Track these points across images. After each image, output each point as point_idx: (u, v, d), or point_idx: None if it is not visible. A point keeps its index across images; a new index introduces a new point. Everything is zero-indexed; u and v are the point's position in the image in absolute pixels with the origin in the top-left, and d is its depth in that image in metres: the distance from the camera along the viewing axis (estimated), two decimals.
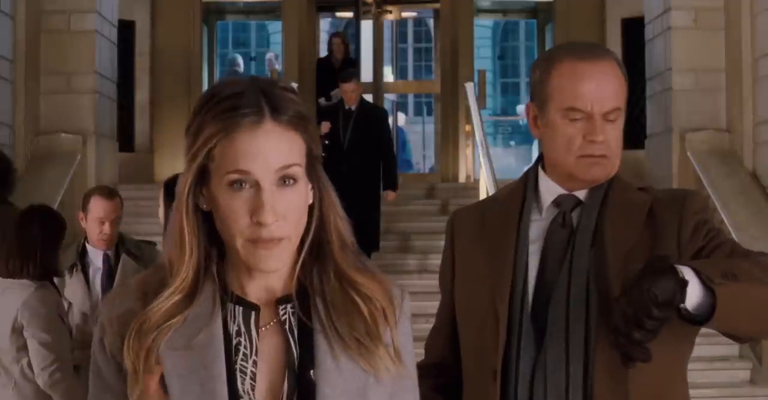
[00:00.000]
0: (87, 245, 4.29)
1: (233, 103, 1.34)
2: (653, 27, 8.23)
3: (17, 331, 3.70)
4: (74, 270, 4.23)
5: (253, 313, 1.40)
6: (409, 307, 1.49)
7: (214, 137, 1.34)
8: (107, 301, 1.45)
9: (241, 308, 1.40)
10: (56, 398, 3.71)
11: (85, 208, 4.27)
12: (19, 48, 7.43)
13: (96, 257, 4.29)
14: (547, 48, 10.64)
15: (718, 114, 7.75)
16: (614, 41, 9.85)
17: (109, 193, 4.35)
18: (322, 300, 1.40)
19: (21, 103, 7.48)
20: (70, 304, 4.17)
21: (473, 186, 8.77)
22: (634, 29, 9.21)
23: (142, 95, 10.22)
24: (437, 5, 11.30)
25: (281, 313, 1.41)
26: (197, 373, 1.35)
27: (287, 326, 1.40)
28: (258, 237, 1.33)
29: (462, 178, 10.27)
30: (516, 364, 1.87)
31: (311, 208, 1.41)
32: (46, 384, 3.69)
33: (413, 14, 13.77)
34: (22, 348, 3.71)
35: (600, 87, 1.89)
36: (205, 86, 10.87)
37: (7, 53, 7.26)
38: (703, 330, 1.77)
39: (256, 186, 1.33)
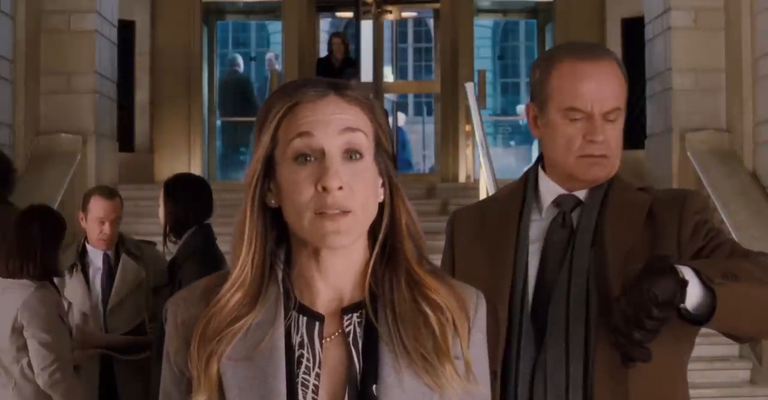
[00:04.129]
0: (87, 245, 4.29)
1: (299, 84, 1.37)
2: (653, 27, 8.23)
3: (17, 331, 3.70)
4: (74, 270, 4.23)
5: (317, 323, 1.35)
6: (484, 315, 1.42)
7: (278, 113, 1.34)
8: (171, 304, 1.40)
9: (305, 319, 1.35)
10: (56, 398, 3.71)
11: (85, 208, 4.27)
12: (19, 48, 7.43)
13: (96, 257, 4.29)
14: (547, 48, 10.62)
15: (718, 114, 7.74)
16: (614, 41, 9.84)
17: (109, 193, 4.35)
18: (391, 311, 1.34)
19: (21, 103, 7.47)
20: (70, 304, 4.17)
21: (473, 186, 8.75)
22: (634, 29, 9.20)
23: (142, 95, 10.21)
24: (437, 5, 11.28)
25: (346, 323, 1.35)
26: (257, 386, 1.31)
27: (351, 338, 1.35)
28: (323, 204, 1.29)
29: (462, 178, 10.25)
30: (516, 364, 1.87)
31: (382, 205, 1.37)
32: (46, 384, 3.68)
33: (413, 14, 13.74)
34: (22, 348, 3.71)
35: (600, 87, 1.89)
36: (205, 86, 10.87)
37: (7, 53, 7.25)
38: (703, 330, 1.77)
39: (321, 156, 1.31)
